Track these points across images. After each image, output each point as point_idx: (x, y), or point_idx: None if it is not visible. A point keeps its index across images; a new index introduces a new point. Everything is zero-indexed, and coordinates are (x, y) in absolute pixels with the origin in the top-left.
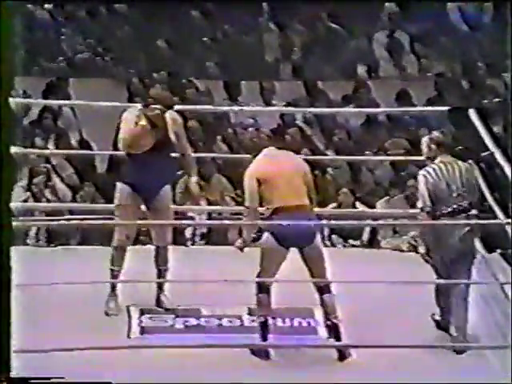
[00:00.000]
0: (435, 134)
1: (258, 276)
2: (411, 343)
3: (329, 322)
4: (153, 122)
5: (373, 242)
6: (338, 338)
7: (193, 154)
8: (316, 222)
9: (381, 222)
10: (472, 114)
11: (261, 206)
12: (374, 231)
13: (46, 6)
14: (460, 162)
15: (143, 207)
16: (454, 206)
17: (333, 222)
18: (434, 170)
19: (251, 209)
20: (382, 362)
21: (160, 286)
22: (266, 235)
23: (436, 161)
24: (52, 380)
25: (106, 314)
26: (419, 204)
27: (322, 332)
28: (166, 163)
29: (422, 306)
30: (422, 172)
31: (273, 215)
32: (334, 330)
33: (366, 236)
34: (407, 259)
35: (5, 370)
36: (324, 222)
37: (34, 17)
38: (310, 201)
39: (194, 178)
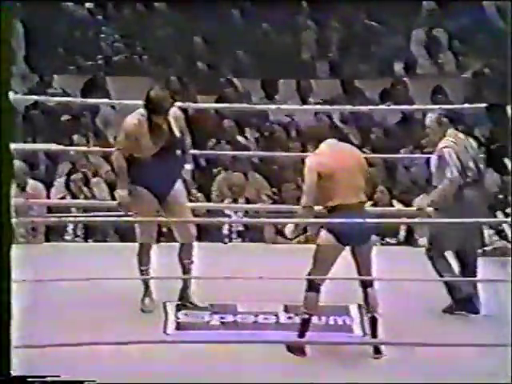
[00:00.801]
0: (437, 111)
1: (310, 273)
2: (447, 341)
3: (369, 315)
4: (158, 126)
5: (409, 240)
6: (375, 333)
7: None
8: (372, 219)
9: (418, 220)
10: (510, 111)
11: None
12: (410, 229)
13: (86, 4)
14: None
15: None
16: (476, 178)
17: (401, 220)
18: (455, 142)
19: (307, 207)
20: (416, 360)
21: (185, 281)
22: (323, 232)
23: (449, 132)
24: (48, 378)
25: (142, 310)
26: (449, 174)
27: (358, 330)
28: (174, 161)
29: None
30: (445, 144)
31: (331, 212)
32: (371, 324)
33: (402, 234)
34: None
35: (5, 368)
36: (381, 219)
37: (73, 15)
38: (366, 196)
39: (189, 166)
